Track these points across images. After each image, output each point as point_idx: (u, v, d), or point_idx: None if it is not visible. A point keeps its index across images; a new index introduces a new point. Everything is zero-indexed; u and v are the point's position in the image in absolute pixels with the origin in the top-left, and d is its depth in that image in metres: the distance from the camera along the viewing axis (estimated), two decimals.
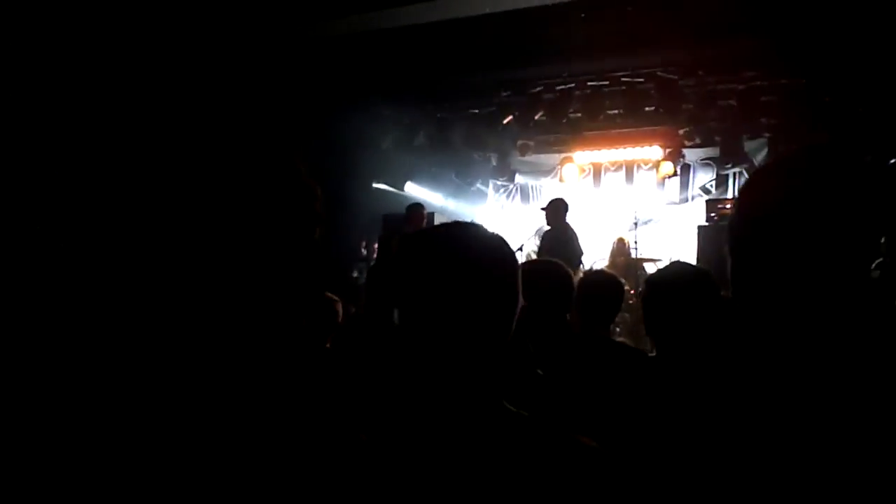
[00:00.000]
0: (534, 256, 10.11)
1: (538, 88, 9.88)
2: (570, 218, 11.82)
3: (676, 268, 2.76)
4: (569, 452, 1.21)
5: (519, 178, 12.64)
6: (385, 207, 10.74)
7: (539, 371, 2.43)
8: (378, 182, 11.73)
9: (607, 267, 9.46)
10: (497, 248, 1.33)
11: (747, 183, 1.33)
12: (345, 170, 10.87)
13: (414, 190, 12.14)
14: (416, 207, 8.92)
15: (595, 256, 10.50)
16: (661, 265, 10.00)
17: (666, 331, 2.51)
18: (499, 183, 12.75)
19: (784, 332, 1.17)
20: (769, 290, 1.20)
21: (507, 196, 12.73)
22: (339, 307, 3.71)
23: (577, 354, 2.71)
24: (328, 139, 10.55)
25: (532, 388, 2.10)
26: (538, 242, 10.29)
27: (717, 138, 10.20)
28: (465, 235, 1.35)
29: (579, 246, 8.24)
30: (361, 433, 1.28)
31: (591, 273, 3.77)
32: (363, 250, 10.84)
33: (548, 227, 8.62)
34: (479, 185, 12.69)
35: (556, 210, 8.52)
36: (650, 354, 2.97)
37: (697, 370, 2.14)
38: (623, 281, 7.61)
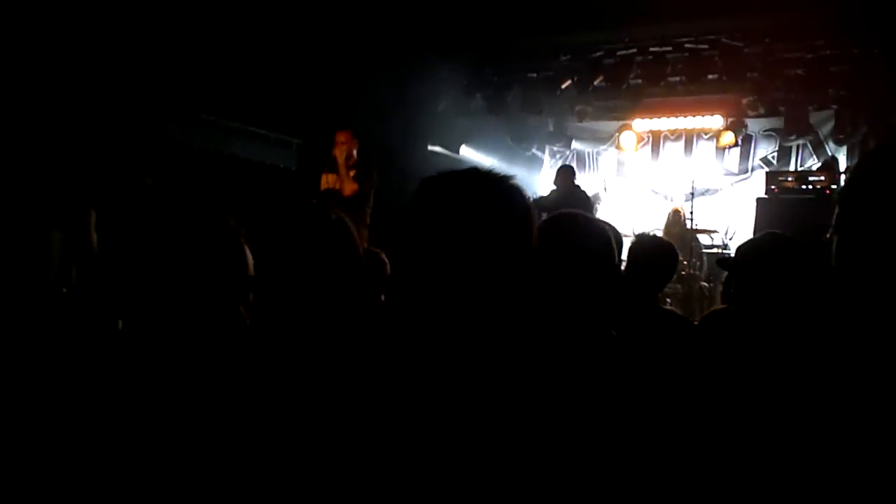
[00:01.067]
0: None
1: (598, 53, 9.72)
2: (627, 185, 11.77)
3: (770, 237, 2.66)
4: None
5: (576, 145, 12.48)
6: (441, 171, 10.71)
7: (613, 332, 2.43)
8: (433, 145, 11.71)
9: (663, 236, 9.33)
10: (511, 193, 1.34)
11: (865, 161, 1.28)
12: (401, 132, 10.90)
13: (469, 154, 12.09)
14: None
15: (650, 226, 10.38)
16: (716, 237, 9.86)
17: (753, 300, 2.45)
18: (555, 149, 12.62)
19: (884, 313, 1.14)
20: (875, 271, 1.16)
21: (564, 161, 12.60)
22: (385, 257, 3.74)
23: (626, 320, 2.65)
24: (384, 101, 10.58)
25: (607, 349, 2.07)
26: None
27: (782, 109, 9.91)
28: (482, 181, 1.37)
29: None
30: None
31: (644, 237, 3.55)
32: None
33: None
34: (534, 150, 12.57)
35: (565, 175, 8.82)
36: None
37: (787, 341, 2.10)
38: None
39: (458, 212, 1.30)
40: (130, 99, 7.70)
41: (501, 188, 1.35)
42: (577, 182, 8.79)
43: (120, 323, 1.60)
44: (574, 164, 12.39)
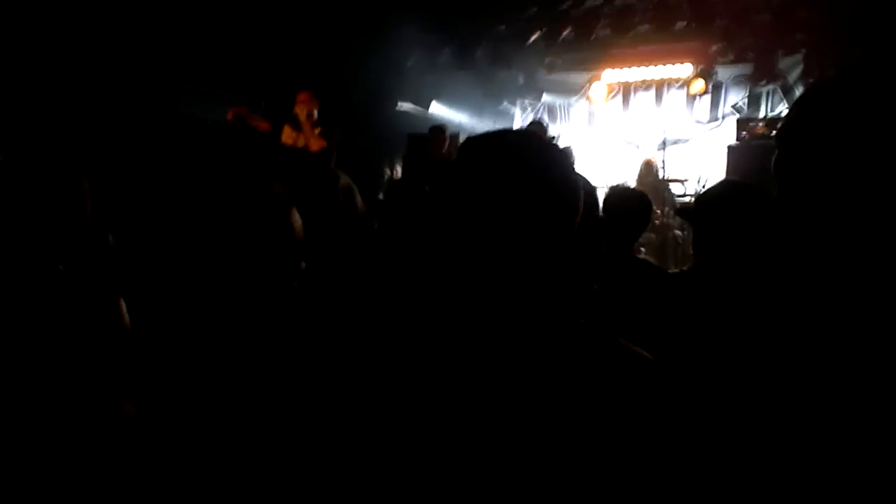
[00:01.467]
0: None
1: (566, 4, 9.64)
2: (599, 137, 11.73)
3: (729, 184, 2.68)
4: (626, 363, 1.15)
5: (546, 97, 12.41)
6: (411, 128, 10.65)
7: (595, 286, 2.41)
8: (403, 102, 11.61)
9: (635, 187, 9.36)
10: (559, 160, 1.24)
11: (806, 96, 1.25)
12: (369, 90, 10.79)
13: (439, 110, 12.00)
14: (438, 130, 8.75)
15: (623, 177, 10.40)
16: (689, 185, 9.91)
17: (714, 248, 2.44)
18: (526, 102, 12.56)
19: (830, 253, 1.13)
20: (819, 211, 1.14)
21: (535, 115, 12.55)
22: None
23: (602, 271, 2.67)
24: (352, 59, 10.44)
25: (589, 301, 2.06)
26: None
27: (751, 55, 9.91)
28: (529, 145, 1.24)
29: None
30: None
31: (617, 188, 3.55)
32: (387, 171, 10.78)
33: None
34: (505, 103, 12.50)
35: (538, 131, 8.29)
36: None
37: (743, 287, 2.09)
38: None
39: (504, 183, 1.15)
40: (102, 64, 7.55)
41: (553, 159, 1.23)
42: (551, 135, 8.62)
43: (122, 301, 1.56)
44: (545, 117, 12.38)
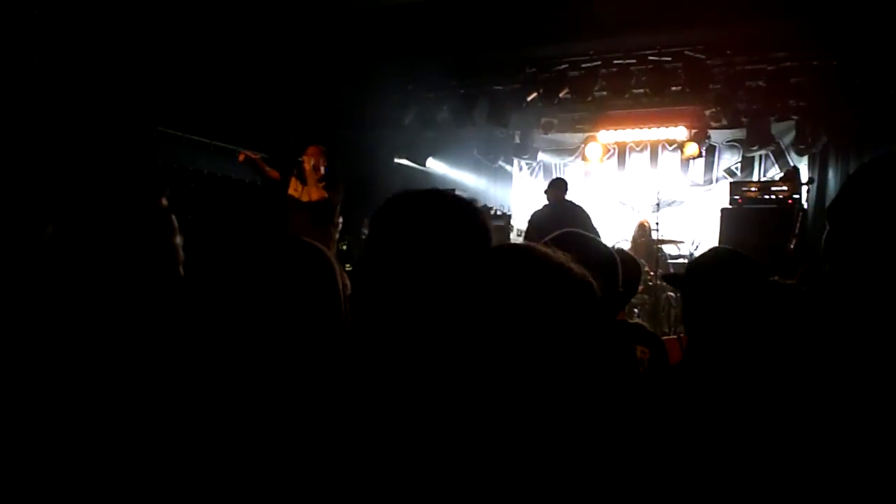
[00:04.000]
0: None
1: (563, 66, 9.78)
2: (594, 197, 11.76)
3: (720, 252, 2.58)
4: None
5: (542, 157, 12.53)
6: (407, 183, 10.69)
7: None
8: (400, 158, 11.70)
9: (630, 249, 9.38)
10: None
11: (858, 175, 1.26)
12: (367, 145, 10.87)
13: (436, 166, 12.09)
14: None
15: (618, 238, 10.44)
16: (682, 247, 9.94)
17: (701, 320, 2.32)
18: (522, 161, 12.66)
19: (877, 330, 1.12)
20: (871, 288, 1.14)
21: (531, 174, 12.64)
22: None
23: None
24: (351, 115, 10.54)
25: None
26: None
27: (745, 119, 10.04)
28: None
29: (592, 226, 8.02)
30: None
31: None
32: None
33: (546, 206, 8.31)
34: (501, 162, 12.60)
35: (557, 188, 8.37)
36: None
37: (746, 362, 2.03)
38: (643, 262, 7.54)
39: (418, 230, 1.34)
40: (93, 114, 7.60)
41: (460, 207, 1.41)
42: (567, 196, 8.44)
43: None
44: (541, 176, 12.47)
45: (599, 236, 7.88)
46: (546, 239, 2.07)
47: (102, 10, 7.34)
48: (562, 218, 7.32)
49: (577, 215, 7.54)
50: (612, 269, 2.04)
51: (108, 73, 7.71)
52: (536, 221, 7.85)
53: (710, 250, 2.65)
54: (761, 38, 8.59)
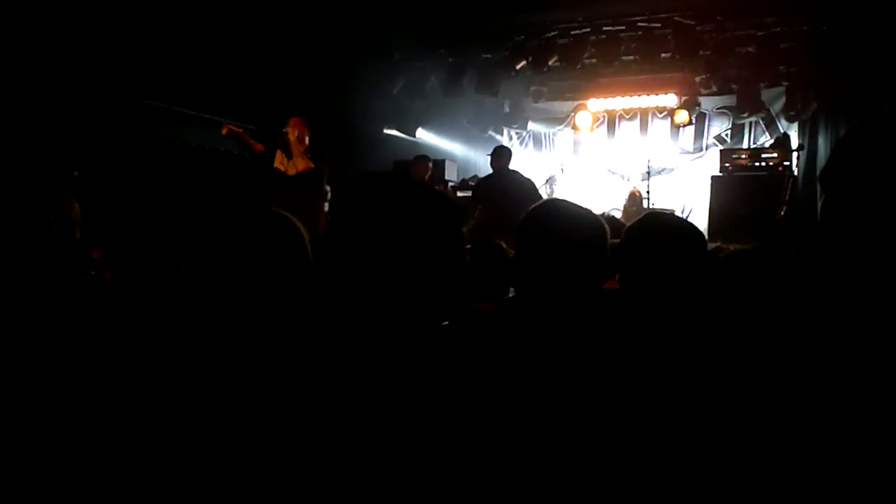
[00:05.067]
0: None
1: (552, 33, 9.69)
2: (584, 165, 11.73)
3: (662, 219, 2.43)
4: None
5: (532, 126, 12.48)
6: (396, 154, 10.65)
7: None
8: (389, 128, 11.62)
9: (621, 218, 9.38)
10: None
11: (849, 140, 1.23)
12: (356, 115, 10.79)
13: (425, 136, 12.02)
14: (420, 159, 8.92)
15: (608, 206, 10.44)
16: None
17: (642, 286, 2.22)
18: (511, 130, 12.60)
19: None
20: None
21: (521, 143, 12.59)
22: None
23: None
24: (339, 85, 10.45)
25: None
26: (548, 190, 10.21)
27: (734, 86, 10.00)
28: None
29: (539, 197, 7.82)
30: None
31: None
32: None
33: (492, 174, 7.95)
34: (490, 132, 12.54)
35: (500, 157, 7.91)
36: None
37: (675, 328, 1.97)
38: None
39: (382, 216, 1.36)
40: (80, 89, 7.51)
41: (419, 193, 1.42)
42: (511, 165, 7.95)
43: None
44: (531, 145, 12.43)
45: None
46: (532, 207, 2.06)
47: None
48: (508, 186, 7.36)
49: (523, 184, 7.54)
50: (599, 237, 2.01)
51: (91, 45, 7.60)
52: (481, 187, 7.78)
53: (644, 216, 2.52)
54: (751, 2, 8.53)
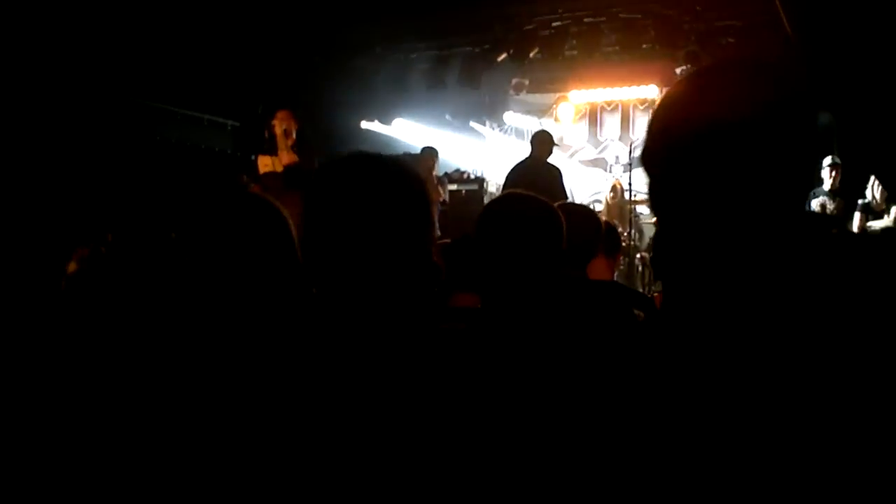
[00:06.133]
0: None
1: (533, 25, 9.66)
2: (566, 158, 11.70)
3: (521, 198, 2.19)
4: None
5: (513, 117, 12.43)
6: (374, 147, 10.60)
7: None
8: (369, 121, 11.57)
9: (603, 210, 9.38)
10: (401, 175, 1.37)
11: (664, 101, 1.17)
12: (335, 107, 10.73)
13: (405, 127, 11.95)
14: (427, 150, 8.99)
15: (590, 198, 10.43)
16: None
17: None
18: (493, 122, 12.55)
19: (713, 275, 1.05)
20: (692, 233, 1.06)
21: (503, 134, 12.54)
22: None
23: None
24: (320, 80, 10.39)
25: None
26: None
27: None
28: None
29: (563, 187, 7.84)
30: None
31: (564, 205, 3.37)
32: None
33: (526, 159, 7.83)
34: (472, 123, 12.48)
35: (543, 143, 7.81)
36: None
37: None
38: (616, 223, 7.50)
39: (353, 197, 1.33)
40: (60, 86, 7.42)
41: (393, 173, 1.36)
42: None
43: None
44: (512, 136, 12.38)
45: (567, 197, 7.75)
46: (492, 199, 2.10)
47: None
48: (537, 177, 7.09)
49: (553, 181, 7.37)
50: (549, 225, 2.02)
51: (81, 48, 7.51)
52: (512, 174, 7.56)
53: (502, 195, 2.44)
54: None
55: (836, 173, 7.32)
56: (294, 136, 6.88)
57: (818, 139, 1.04)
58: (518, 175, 7.41)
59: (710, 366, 0.98)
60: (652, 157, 1.13)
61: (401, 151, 9.84)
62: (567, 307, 2.27)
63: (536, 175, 7.20)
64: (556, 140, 8.17)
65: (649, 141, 1.14)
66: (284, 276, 1.61)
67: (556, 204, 2.16)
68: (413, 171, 1.38)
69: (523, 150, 11.96)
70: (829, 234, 1.09)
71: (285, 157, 6.81)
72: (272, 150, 6.89)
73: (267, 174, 6.86)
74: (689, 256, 1.05)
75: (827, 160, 7.34)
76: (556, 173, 7.56)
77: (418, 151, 9.30)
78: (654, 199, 1.13)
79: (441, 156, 11.68)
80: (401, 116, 11.68)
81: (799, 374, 0.93)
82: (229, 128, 10.77)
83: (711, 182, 1.01)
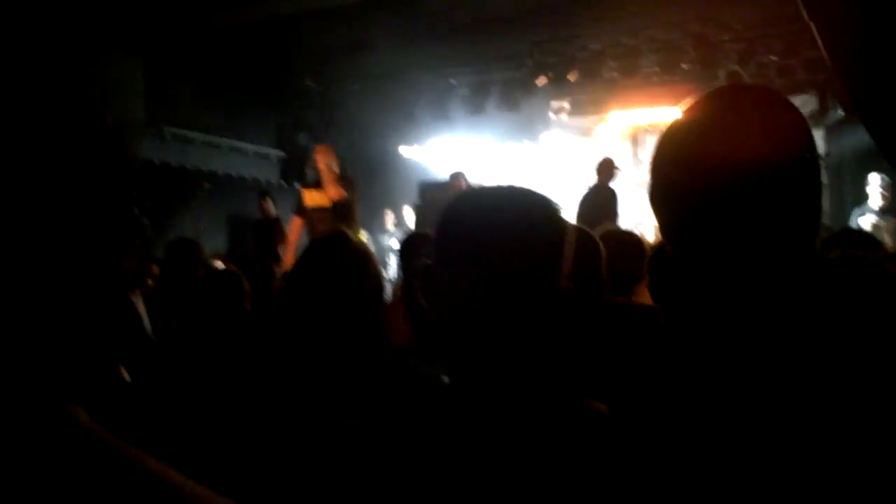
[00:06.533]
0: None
1: (571, 49, 9.70)
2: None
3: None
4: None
5: (554, 139, 12.40)
6: (415, 172, 10.72)
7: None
8: (408, 145, 11.66)
9: (655, 233, 9.29)
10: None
11: (663, 139, 1.16)
12: (374, 136, 10.85)
13: (444, 151, 11.99)
14: (457, 175, 8.98)
15: (636, 220, 10.34)
16: None
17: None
18: (533, 143, 12.53)
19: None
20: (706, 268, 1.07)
21: (543, 156, 12.49)
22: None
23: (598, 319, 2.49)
24: (361, 105, 10.52)
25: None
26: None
27: None
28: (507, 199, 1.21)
29: (615, 208, 7.94)
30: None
31: (612, 232, 3.29)
32: (387, 220, 10.54)
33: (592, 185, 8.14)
34: (511, 144, 12.45)
35: (602, 169, 8.14)
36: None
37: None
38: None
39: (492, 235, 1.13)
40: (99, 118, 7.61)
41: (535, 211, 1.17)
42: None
43: None
44: (553, 159, 12.33)
45: (617, 217, 7.88)
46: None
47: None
48: (591, 203, 7.61)
49: (604, 205, 7.66)
50: (590, 254, 2.03)
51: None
52: (580, 206, 7.80)
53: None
54: (770, 12, 8.47)
55: (887, 192, 7.20)
56: (337, 169, 6.97)
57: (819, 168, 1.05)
58: (582, 200, 7.80)
59: (723, 379, 1.01)
60: (667, 194, 1.13)
61: (438, 176, 9.92)
62: (612, 335, 2.28)
63: (595, 198, 7.68)
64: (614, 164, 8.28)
65: (657, 179, 1.13)
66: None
67: (601, 233, 2.19)
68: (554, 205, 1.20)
69: (564, 172, 11.98)
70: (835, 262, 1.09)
71: (332, 192, 6.88)
72: (318, 185, 6.99)
73: (316, 208, 6.97)
74: (711, 283, 1.07)
75: (876, 179, 7.24)
76: (609, 195, 7.84)
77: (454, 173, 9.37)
78: (676, 237, 1.12)
79: (481, 179, 11.72)
80: (440, 140, 11.75)
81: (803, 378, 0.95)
82: (274, 158, 10.96)
83: (738, 219, 1.04)
